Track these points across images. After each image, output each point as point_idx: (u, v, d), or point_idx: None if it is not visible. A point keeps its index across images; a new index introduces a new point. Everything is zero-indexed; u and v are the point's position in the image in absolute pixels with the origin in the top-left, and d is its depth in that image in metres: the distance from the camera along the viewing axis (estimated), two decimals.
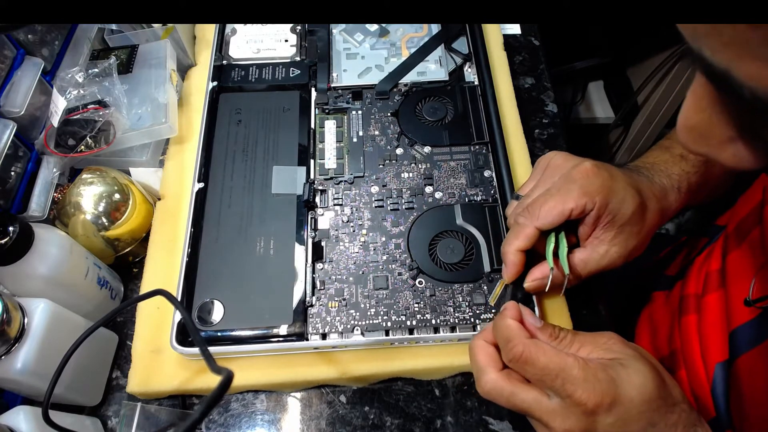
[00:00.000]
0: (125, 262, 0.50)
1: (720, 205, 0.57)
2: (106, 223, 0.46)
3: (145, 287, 0.46)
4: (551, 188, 0.41)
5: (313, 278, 0.44)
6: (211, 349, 0.40)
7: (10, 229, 0.36)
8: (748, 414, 0.39)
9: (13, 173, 0.44)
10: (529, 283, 0.41)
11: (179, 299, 0.43)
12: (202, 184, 0.49)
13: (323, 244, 0.46)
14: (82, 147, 0.47)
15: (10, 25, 0.40)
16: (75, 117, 0.47)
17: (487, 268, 0.44)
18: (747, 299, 0.41)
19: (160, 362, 0.43)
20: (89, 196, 0.45)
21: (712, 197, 0.51)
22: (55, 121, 0.46)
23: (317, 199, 0.48)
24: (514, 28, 0.67)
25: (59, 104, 0.46)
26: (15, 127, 0.43)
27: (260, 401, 0.44)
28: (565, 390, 0.32)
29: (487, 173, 0.49)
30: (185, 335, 0.41)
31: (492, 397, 0.34)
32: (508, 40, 0.65)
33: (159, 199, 0.50)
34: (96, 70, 0.49)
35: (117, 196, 0.46)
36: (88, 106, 0.47)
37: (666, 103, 1.12)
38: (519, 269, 0.40)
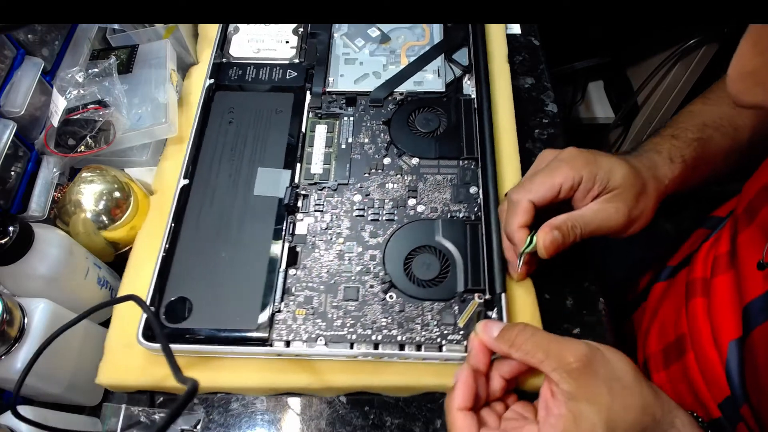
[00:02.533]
0: (126, 260, 0.49)
1: (716, 199, 0.57)
2: (107, 221, 0.46)
3: (126, 279, 0.46)
4: (541, 169, 0.43)
5: (285, 284, 0.44)
6: (174, 346, 0.40)
7: (10, 229, 0.36)
8: (765, 386, 0.39)
9: (13, 173, 0.45)
10: (544, 237, 0.40)
11: (151, 293, 0.43)
12: (187, 181, 0.48)
13: (299, 249, 0.45)
14: (82, 147, 0.47)
15: (10, 25, 0.40)
16: (75, 117, 0.47)
17: (461, 287, 0.43)
18: (761, 262, 0.41)
19: (131, 356, 0.42)
20: (89, 194, 0.45)
21: (719, 178, 0.51)
22: (55, 121, 0.46)
23: (298, 203, 0.47)
24: (514, 28, 0.67)
25: (59, 104, 0.46)
26: (15, 127, 0.43)
27: (260, 401, 0.44)
28: None
29: (473, 190, 0.48)
30: (153, 330, 0.41)
31: None
32: (508, 40, 0.65)
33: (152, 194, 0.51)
34: (96, 69, 0.49)
35: (117, 194, 0.46)
36: (88, 106, 0.47)
37: (666, 103, 1.12)
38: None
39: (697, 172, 0.47)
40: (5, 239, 0.35)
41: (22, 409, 0.35)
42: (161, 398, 0.44)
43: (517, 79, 0.62)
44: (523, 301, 0.45)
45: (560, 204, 0.43)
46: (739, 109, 0.51)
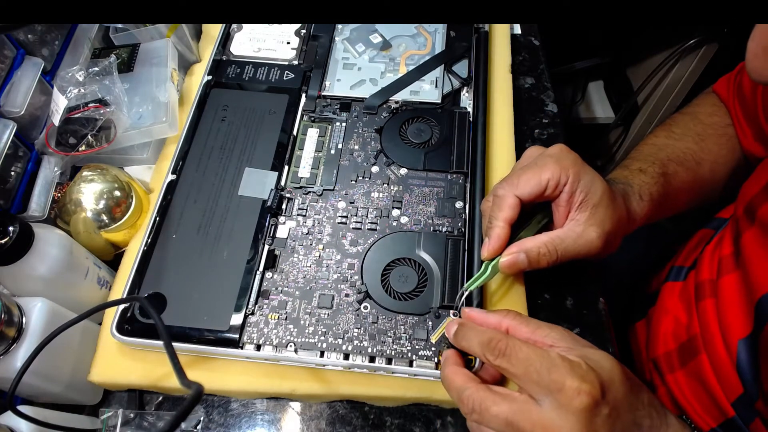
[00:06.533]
0: None
1: (720, 201, 0.57)
2: (107, 220, 0.46)
3: (119, 277, 0.46)
4: (527, 164, 0.42)
5: (260, 286, 0.43)
6: (143, 340, 0.41)
7: (10, 229, 0.36)
8: None
9: (13, 173, 0.44)
10: (504, 258, 0.40)
11: (128, 287, 0.43)
12: (174, 176, 0.49)
13: (278, 252, 0.45)
14: (83, 146, 0.47)
15: (10, 25, 0.40)
16: (76, 115, 0.47)
17: (436, 303, 0.42)
18: None
19: (123, 355, 0.42)
20: (90, 193, 0.45)
21: (680, 211, 0.53)
22: (56, 120, 0.46)
23: (282, 206, 0.47)
24: (515, 28, 0.67)
25: (60, 103, 0.46)
26: (15, 127, 0.43)
27: (260, 401, 0.44)
28: (552, 386, 0.30)
29: (458, 204, 0.47)
30: (129, 323, 0.41)
31: (478, 414, 0.32)
32: None
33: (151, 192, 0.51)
34: (96, 68, 0.49)
35: (117, 193, 0.46)
36: (89, 105, 0.47)
37: (666, 103, 1.12)
38: (502, 244, 0.40)
39: (662, 208, 0.48)
40: (5, 239, 0.35)
41: (22, 409, 0.35)
42: (159, 398, 0.44)
43: (517, 79, 0.62)
44: (513, 305, 0.45)
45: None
46: (702, 144, 0.53)
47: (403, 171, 0.50)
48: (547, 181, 0.40)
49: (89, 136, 0.47)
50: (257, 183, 0.48)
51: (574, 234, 0.40)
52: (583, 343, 0.34)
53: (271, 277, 0.44)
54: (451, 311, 0.42)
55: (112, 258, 0.48)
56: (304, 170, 0.50)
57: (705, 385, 0.46)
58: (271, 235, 0.46)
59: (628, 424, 0.32)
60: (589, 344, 0.34)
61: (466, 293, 0.41)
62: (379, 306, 0.43)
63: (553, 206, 0.42)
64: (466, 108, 0.53)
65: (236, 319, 0.42)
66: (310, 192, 0.48)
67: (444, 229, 0.46)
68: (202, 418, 0.43)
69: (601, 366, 0.32)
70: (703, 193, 0.54)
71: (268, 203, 0.47)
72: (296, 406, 0.44)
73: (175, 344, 0.40)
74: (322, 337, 0.41)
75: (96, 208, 0.45)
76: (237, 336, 0.41)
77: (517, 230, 0.42)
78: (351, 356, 0.41)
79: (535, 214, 0.43)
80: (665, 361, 0.51)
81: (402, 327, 0.42)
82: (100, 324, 0.44)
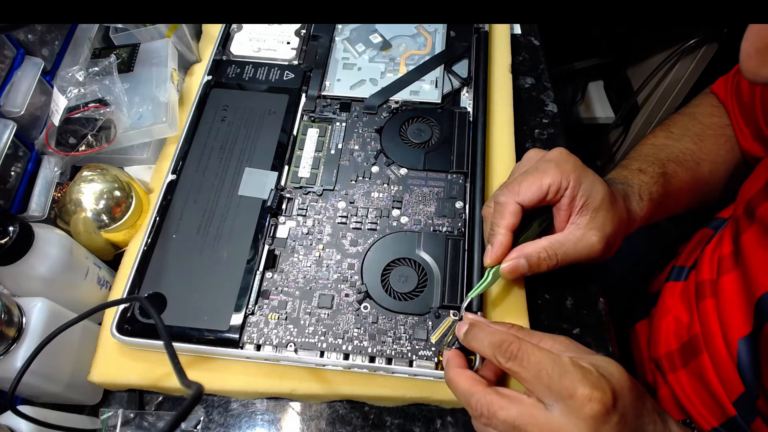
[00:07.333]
0: None
1: (720, 201, 0.57)
2: (107, 220, 0.46)
3: (119, 277, 0.46)
4: (528, 169, 0.42)
5: (260, 286, 0.43)
6: (143, 340, 0.41)
7: (10, 229, 0.36)
8: None
9: (13, 173, 0.44)
10: (505, 264, 0.40)
11: (128, 287, 0.43)
12: (174, 176, 0.49)
13: (278, 252, 0.45)
14: (83, 146, 0.47)
15: (10, 25, 0.40)
16: (76, 115, 0.47)
17: (436, 303, 0.42)
18: None
19: (123, 355, 0.42)
20: (90, 193, 0.45)
21: (679, 212, 0.53)
22: (56, 120, 0.46)
23: (282, 206, 0.47)
24: (515, 28, 0.67)
25: (60, 103, 0.46)
26: (15, 127, 0.43)
27: (260, 401, 0.44)
28: (563, 392, 0.30)
29: (458, 204, 0.47)
30: (129, 323, 0.41)
31: (487, 419, 0.32)
32: None
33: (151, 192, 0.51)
34: (96, 68, 0.49)
35: (117, 193, 0.46)
36: (89, 105, 0.47)
37: (666, 103, 1.12)
38: (505, 251, 0.40)
39: (661, 207, 0.48)
40: (5, 239, 0.35)
41: (22, 409, 0.35)
42: (159, 398, 0.44)
43: (517, 79, 0.62)
44: (513, 305, 0.45)
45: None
46: (701, 144, 0.53)
47: (403, 171, 0.49)
48: (548, 186, 0.40)
49: (89, 136, 0.47)
50: (257, 183, 0.48)
51: (574, 238, 0.40)
52: (588, 351, 0.34)
53: (271, 277, 0.44)
54: (451, 312, 0.42)
55: (112, 258, 0.48)
56: (304, 170, 0.49)
57: (706, 385, 0.46)
58: (271, 235, 0.46)
59: (634, 430, 0.32)
60: (594, 353, 0.34)
61: (467, 302, 0.41)
62: (379, 306, 0.42)
63: (554, 210, 0.42)
64: (466, 108, 0.53)
65: (236, 319, 0.42)
66: (310, 192, 0.48)
67: (444, 229, 0.46)
68: (202, 418, 0.43)
69: (611, 373, 0.32)
70: (703, 193, 0.54)
71: (268, 203, 0.47)
72: (296, 406, 0.44)
73: (175, 344, 0.39)
74: (322, 337, 0.41)
75: (96, 208, 0.45)
76: (237, 336, 0.41)
77: (517, 233, 0.42)
78: (351, 356, 0.41)
79: (535, 217, 0.43)
80: (667, 361, 0.51)
81: (402, 327, 0.42)
82: (100, 324, 0.44)
